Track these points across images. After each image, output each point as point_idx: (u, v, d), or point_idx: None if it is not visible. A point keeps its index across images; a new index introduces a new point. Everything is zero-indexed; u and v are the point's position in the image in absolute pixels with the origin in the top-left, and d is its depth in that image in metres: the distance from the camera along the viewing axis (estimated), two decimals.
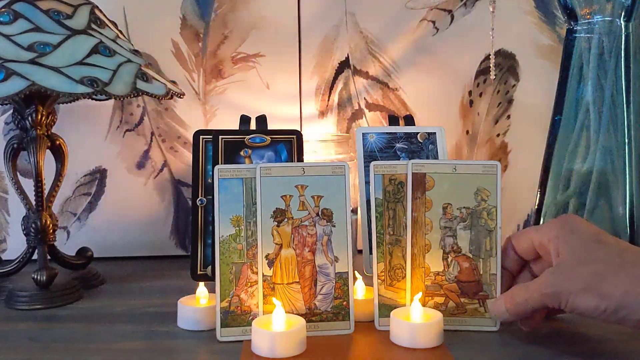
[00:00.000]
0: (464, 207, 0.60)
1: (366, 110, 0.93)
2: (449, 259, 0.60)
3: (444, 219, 0.61)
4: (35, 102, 0.69)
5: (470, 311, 0.60)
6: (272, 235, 0.59)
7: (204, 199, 0.70)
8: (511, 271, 0.61)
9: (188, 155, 0.91)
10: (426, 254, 0.60)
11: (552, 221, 0.57)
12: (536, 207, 0.83)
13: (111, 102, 0.89)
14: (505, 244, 0.61)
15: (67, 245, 0.89)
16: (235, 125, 0.74)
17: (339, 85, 0.93)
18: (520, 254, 0.60)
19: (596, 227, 0.55)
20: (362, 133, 0.76)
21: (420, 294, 0.58)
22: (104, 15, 0.74)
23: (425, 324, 0.55)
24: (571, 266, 0.52)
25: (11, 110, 0.84)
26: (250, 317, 0.58)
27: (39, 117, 0.70)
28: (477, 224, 0.60)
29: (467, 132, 0.95)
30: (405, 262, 0.61)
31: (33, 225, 0.71)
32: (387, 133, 0.76)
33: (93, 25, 0.69)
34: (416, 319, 0.56)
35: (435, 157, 0.75)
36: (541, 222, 0.82)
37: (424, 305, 0.58)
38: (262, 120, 0.74)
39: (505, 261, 0.60)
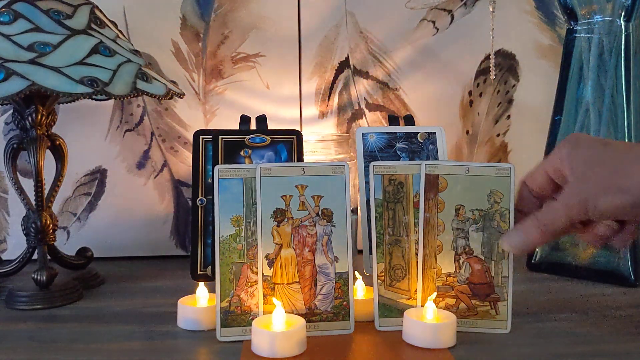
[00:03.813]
0: (476, 209, 0.60)
1: (366, 110, 0.93)
2: (461, 261, 0.60)
3: (457, 220, 0.61)
4: (35, 102, 0.69)
5: (481, 313, 0.60)
6: (272, 235, 0.59)
7: (204, 199, 0.70)
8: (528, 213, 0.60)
9: (188, 155, 0.91)
10: (438, 255, 0.60)
11: (558, 146, 0.57)
12: None
13: (111, 102, 0.89)
14: (520, 187, 0.61)
15: (67, 245, 0.89)
16: (235, 125, 0.74)
17: (339, 85, 0.93)
18: (536, 191, 0.59)
19: (599, 137, 0.55)
20: (362, 133, 0.76)
21: (434, 295, 0.59)
22: (104, 15, 0.74)
23: (442, 324, 0.56)
24: (588, 172, 0.53)
25: (11, 110, 0.84)
26: (250, 317, 0.58)
27: (39, 117, 0.70)
28: (489, 226, 0.60)
29: (467, 132, 0.95)
30: (405, 263, 0.61)
31: (33, 225, 0.71)
32: (387, 133, 0.76)
33: (93, 25, 0.69)
34: (433, 320, 0.56)
35: (435, 157, 0.75)
36: None
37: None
38: (262, 120, 0.74)
39: (522, 203, 0.60)
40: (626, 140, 0.75)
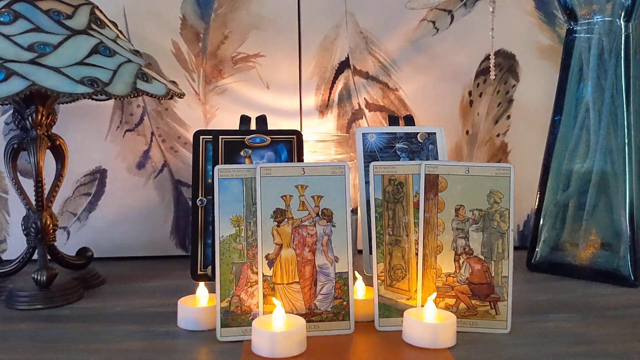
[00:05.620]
0: (476, 209, 0.60)
1: (366, 110, 0.93)
2: (461, 261, 0.60)
3: (456, 220, 0.61)
4: (35, 102, 0.69)
5: (481, 313, 0.60)
6: (272, 235, 0.59)
7: (204, 199, 0.70)
8: None
9: (188, 155, 0.90)
10: (438, 255, 0.60)
11: None
12: (536, 207, 0.83)
13: (111, 102, 0.89)
14: None
15: (67, 245, 0.89)
16: (235, 125, 0.74)
17: (339, 85, 0.92)
18: None
19: None
20: (362, 133, 0.76)
21: (434, 295, 0.59)
22: (104, 15, 0.74)
23: (442, 324, 0.56)
24: None
25: (11, 111, 0.84)
26: (250, 317, 0.58)
27: (39, 117, 0.70)
28: (489, 226, 0.60)
29: (467, 132, 0.95)
30: (405, 263, 0.61)
31: (33, 225, 0.71)
32: (387, 133, 0.76)
33: (93, 26, 0.69)
34: (433, 320, 0.56)
35: (435, 157, 0.75)
36: (541, 223, 0.82)
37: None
38: (262, 120, 0.74)
39: None
40: (626, 140, 0.76)
